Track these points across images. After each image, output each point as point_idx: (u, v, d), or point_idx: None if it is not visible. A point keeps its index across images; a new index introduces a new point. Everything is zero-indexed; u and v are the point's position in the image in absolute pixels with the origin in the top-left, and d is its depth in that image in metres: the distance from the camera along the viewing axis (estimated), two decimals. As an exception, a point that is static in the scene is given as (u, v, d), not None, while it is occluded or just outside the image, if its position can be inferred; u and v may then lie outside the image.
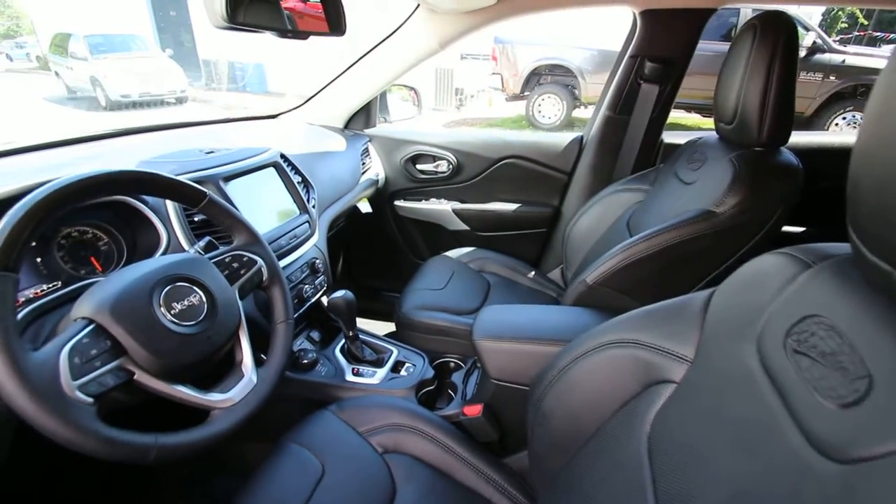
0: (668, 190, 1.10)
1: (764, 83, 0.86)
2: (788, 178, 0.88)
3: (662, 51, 1.29)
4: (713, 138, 1.07)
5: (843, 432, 0.33)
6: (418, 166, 1.67)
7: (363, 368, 1.06)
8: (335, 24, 0.97)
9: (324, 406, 0.87)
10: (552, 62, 6.39)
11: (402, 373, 1.07)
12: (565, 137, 1.57)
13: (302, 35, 0.92)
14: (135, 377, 0.55)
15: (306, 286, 1.08)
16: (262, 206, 1.02)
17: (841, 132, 5.28)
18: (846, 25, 11.25)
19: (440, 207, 1.68)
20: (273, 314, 0.78)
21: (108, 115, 7.88)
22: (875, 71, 5.18)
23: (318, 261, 1.13)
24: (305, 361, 1.02)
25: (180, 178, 0.71)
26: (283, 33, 0.90)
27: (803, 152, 0.94)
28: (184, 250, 0.80)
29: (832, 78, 5.33)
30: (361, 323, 1.11)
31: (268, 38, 0.94)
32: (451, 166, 1.62)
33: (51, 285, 0.69)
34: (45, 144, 0.94)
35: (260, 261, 0.77)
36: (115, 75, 7.92)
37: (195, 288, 0.64)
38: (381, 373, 1.05)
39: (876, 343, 0.34)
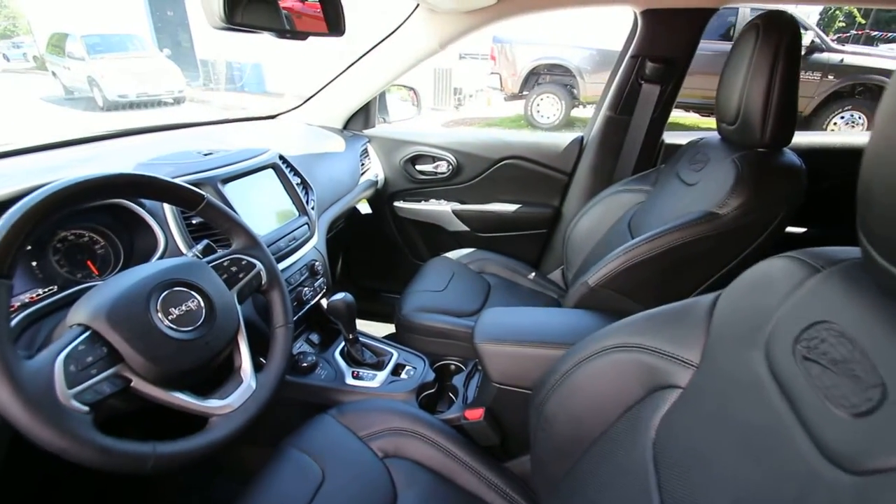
0: (670, 191, 1.09)
1: (767, 83, 0.85)
2: (792, 179, 0.88)
3: (663, 51, 1.29)
4: (715, 139, 1.06)
5: (856, 442, 0.33)
6: (418, 167, 1.66)
7: (363, 372, 1.05)
8: (334, 24, 0.96)
9: (324, 410, 0.86)
10: (551, 62, 6.38)
11: (403, 376, 1.06)
12: (566, 138, 1.56)
13: (301, 35, 0.91)
14: (132, 384, 0.54)
15: (306, 288, 1.07)
16: (261, 208, 1.01)
17: (840, 132, 5.29)
18: (844, 24, 11.27)
19: (440, 208, 1.67)
20: (272, 318, 0.77)
21: (106, 116, 7.85)
22: (873, 70, 5.23)
23: (317, 263, 1.12)
24: (305, 365, 1.02)
25: (178, 180, 0.70)
26: (282, 34, 0.89)
27: (804, 153, 0.93)
28: (181, 254, 0.79)
29: (830, 77, 5.34)
30: (361, 324, 1.11)
31: (265, 38, 0.93)
32: (450, 167, 1.61)
33: (46, 290, 0.67)
34: (41, 146, 0.92)
35: (259, 264, 0.76)
36: (113, 75, 7.91)
37: (193, 293, 0.63)
38: (382, 376, 1.04)
39: (888, 350, 0.33)
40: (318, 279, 1.13)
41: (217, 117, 1.46)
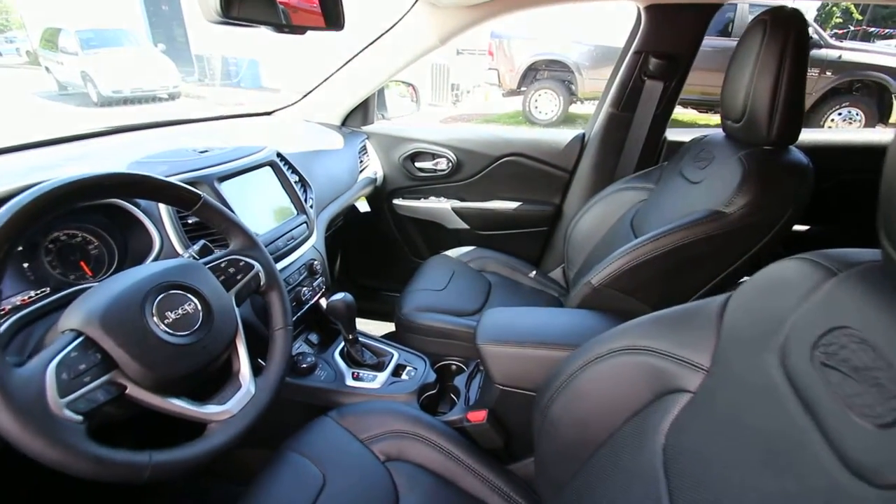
0: (674, 189, 1.08)
1: (774, 80, 0.84)
2: (800, 178, 0.87)
3: (667, 47, 1.27)
4: (719, 136, 1.05)
5: (882, 454, 0.31)
6: (417, 164, 1.64)
7: (363, 373, 1.03)
8: (333, 18, 0.94)
9: (323, 412, 0.84)
10: (549, 57, 6.36)
11: (404, 377, 1.05)
12: (567, 135, 1.54)
13: (299, 30, 0.89)
14: (126, 391, 0.52)
15: (304, 288, 1.06)
16: (259, 206, 0.99)
17: (841, 129, 5.29)
18: (841, 21, 11.28)
19: (439, 206, 1.66)
20: (271, 320, 0.76)
21: (100, 111, 7.78)
22: (871, 66, 5.23)
23: (316, 262, 1.11)
24: (304, 366, 1.00)
25: (173, 179, 0.68)
26: (280, 28, 0.87)
27: (806, 150, 0.92)
28: (177, 254, 0.77)
29: (828, 74, 5.33)
30: (360, 323, 1.09)
31: (261, 33, 0.91)
32: (450, 164, 1.59)
33: (38, 292, 0.66)
34: (31, 144, 0.90)
35: (257, 265, 0.74)
36: (107, 71, 7.84)
37: (190, 295, 0.61)
38: (382, 377, 1.03)
39: None
40: (316, 279, 1.11)
41: (213, 113, 1.44)
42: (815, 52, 5.31)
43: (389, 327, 1.59)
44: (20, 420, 0.43)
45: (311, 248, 1.11)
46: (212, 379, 0.64)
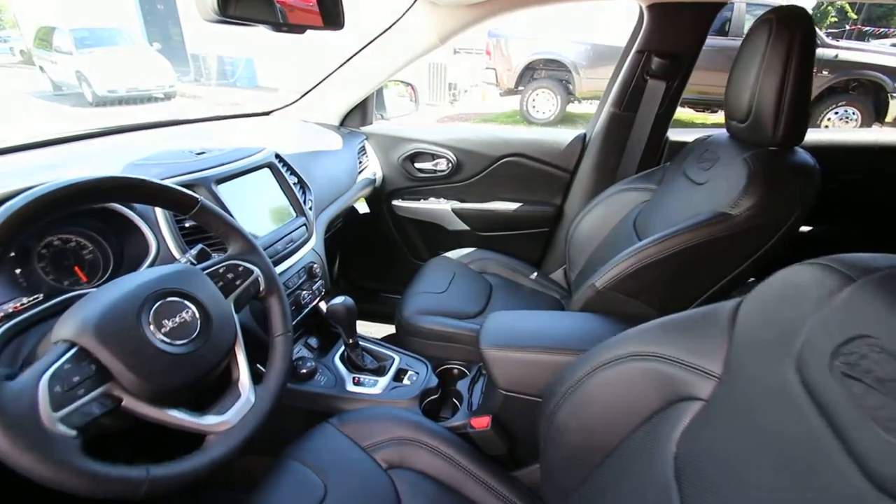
0: (678, 190, 1.06)
1: (780, 80, 0.83)
2: (806, 179, 0.85)
3: (669, 46, 1.26)
4: (723, 136, 1.04)
5: None
6: (417, 165, 1.62)
7: (364, 377, 1.02)
8: (332, 17, 0.92)
9: (324, 418, 0.83)
10: (546, 57, 6.36)
11: (405, 381, 1.04)
12: (568, 135, 1.53)
13: (298, 29, 0.87)
14: (122, 404, 0.51)
15: (304, 292, 1.04)
16: (257, 209, 0.97)
17: (836, 129, 5.30)
18: (836, 20, 11.33)
19: (439, 207, 1.64)
20: (271, 327, 0.74)
21: (95, 112, 7.72)
22: (867, 65, 5.25)
23: (315, 265, 1.09)
24: (304, 371, 0.98)
25: (169, 181, 0.67)
26: (278, 27, 0.85)
27: (809, 150, 0.91)
28: (174, 259, 0.75)
29: (825, 73, 5.34)
30: (359, 325, 1.07)
31: (257, 31, 0.89)
32: (450, 164, 1.58)
33: (31, 299, 0.64)
34: (26, 146, 0.88)
35: (256, 270, 0.72)
36: (102, 70, 7.77)
37: (187, 303, 0.59)
38: (383, 382, 1.01)
39: None
40: (316, 282, 1.09)
41: (210, 113, 1.42)
42: (811, 51, 5.32)
43: (389, 329, 1.58)
44: (10, 436, 0.41)
45: (311, 250, 1.09)
46: (210, 388, 0.62)
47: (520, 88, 6.58)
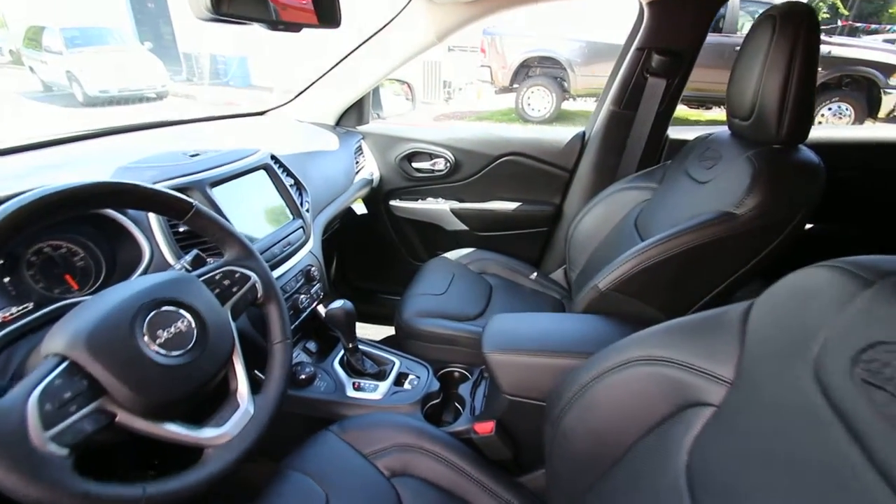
0: (680, 189, 1.05)
1: (784, 78, 0.82)
2: (811, 177, 0.84)
3: (670, 43, 1.25)
4: (725, 134, 1.03)
5: None
6: (414, 164, 1.60)
7: (364, 382, 1.00)
8: (329, 15, 0.90)
9: (324, 424, 0.81)
10: (541, 54, 6.35)
11: (406, 386, 1.02)
12: (567, 133, 1.52)
13: (293, 27, 0.85)
14: (116, 419, 0.48)
15: (302, 296, 1.02)
16: (253, 212, 0.95)
17: (832, 125, 5.32)
18: (828, 16, 11.38)
19: (437, 207, 1.62)
20: (269, 334, 0.72)
21: (86, 112, 7.62)
22: (861, 61, 5.28)
23: (313, 268, 1.07)
24: (303, 377, 0.97)
25: (163, 185, 0.64)
26: (273, 25, 0.83)
27: (811, 148, 0.90)
28: (169, 266, 0.73)
29: (819, 69, 5.36)
30: (358, 327, 1.05)
31: (250, 29, 0.87)
32: (448, 164, 1.56)
33: (21, 308, 0.61)
34: (13, 148, 0.86)
35: (254, 276, 0.70)
36: (92, 70, 7.68)
37: (183, 311, 0.57)
38: (384, 386, 1.00)
39: None
40: (314, 285, 1.08)
41: (203, 114, 1.39)
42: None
43: (388, 331, 1.56)
44: None
45: (308, 253, 1.08)
46: (208, 399, 0.60)
47: (515, 86, 6.57)
